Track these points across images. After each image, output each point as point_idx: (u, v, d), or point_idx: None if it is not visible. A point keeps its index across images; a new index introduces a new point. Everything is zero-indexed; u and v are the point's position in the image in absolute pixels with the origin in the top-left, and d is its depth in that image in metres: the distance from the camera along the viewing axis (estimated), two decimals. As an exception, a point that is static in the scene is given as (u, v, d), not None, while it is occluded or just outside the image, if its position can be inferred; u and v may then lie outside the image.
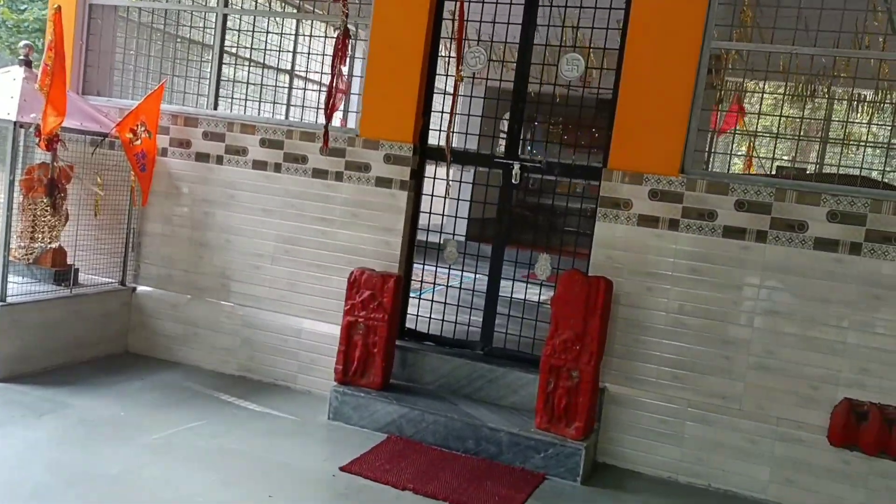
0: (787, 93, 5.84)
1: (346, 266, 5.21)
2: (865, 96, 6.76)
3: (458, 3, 3.39)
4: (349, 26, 2.98)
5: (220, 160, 5.62)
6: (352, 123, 5.48)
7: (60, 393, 4.72)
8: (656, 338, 4.56)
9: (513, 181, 4.95)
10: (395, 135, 5.13)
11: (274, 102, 6.07)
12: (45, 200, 5.29)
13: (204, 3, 6.26)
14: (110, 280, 5.77)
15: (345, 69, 3.15)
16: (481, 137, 5.58)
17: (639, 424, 4.58)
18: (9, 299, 4.85)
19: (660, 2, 4.49)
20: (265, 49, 6.29)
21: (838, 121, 7.00)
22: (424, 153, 5.21)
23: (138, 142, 5.42)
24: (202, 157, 5.67)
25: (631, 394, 4.60)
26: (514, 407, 4.76)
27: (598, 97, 4.88)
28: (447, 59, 5.18)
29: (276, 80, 6.95)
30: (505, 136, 5.11)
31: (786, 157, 6.77)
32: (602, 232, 4.67)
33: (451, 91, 4.39)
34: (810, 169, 5.99)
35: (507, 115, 5.05)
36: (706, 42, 4.47)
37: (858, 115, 6.63)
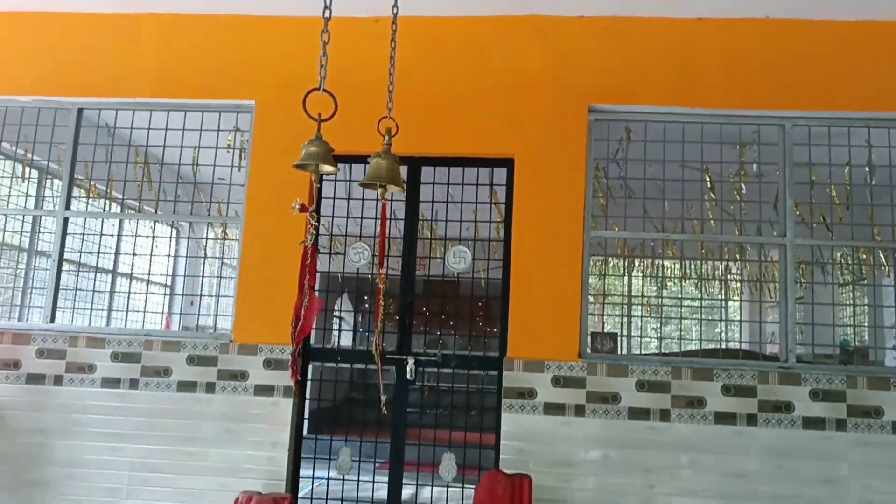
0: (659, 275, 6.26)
1: (220, 490, 4.55)
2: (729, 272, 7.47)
3: (381, 203, 3.27)
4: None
5: (59, 381, 4.82)
6: (225, 326, 5.01)
7: None
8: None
9: (408, 377, 4.70)
10: (275, 338, 4.73)
11: (127, 310, 5.44)
12: None
13: (41, 207, 5.64)
14: None
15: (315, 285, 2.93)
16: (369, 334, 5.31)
17: None
18: None
19: (541, 196, 4.69)
20: (116, 254, 5.72)
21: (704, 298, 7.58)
22: (308, 355, 4.85)
23: (-46, 366, 4.54)
24: (35, 378, 4.84)
25: None
26: None
27: (489, 286, 4.89)
28: (329, 255, 5.01)
29: (127, 286, 6.32)
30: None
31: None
32: (509, 423, 4.49)
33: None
34: (694, 346, 6.42)
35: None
36: (587, 231, 4.69)
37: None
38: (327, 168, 2.78)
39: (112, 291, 6.23)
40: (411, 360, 4.72)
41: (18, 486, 4.71)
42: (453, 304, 4.94)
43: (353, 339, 7.08)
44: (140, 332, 4.96)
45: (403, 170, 4.99)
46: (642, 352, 7.99)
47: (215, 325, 5.10)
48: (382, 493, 4.68)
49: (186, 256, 6.33)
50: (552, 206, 4.69)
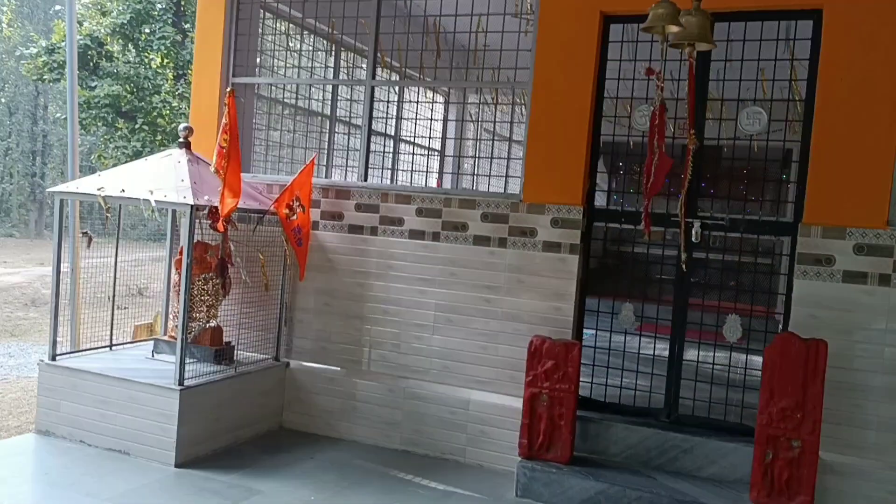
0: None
1: (512, 334, 5.07)
2: None
3: (689, 62, 3.27)
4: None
5: (374, 231, 5.57)
6: (513, 188, 5.38)
7: (243, 477, 4.61)
8: (874, 400, 4.27)
9: (693, 240, 4.77)
10: (563, 198, 5.01)
11: (426, 172, 6.04)
12: (215, 280, 5.28)
13: (350, 77, 6.32)
14: (265, 356, 5.69)
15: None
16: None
17: (861, 495, 4.25)
18: (186, 382, 4.80)
19: (853, 50, 4.33)
20: (398, 119, 6.28)
21: None
22: (593, 215, 5.09)
23: (294, 217, 5.40)
24: (355, 229, 5.62)
25: (851, 463, 4.29)
26: (715, 479, 4.48)
27: (784, 149, 4.71)
28: (614, 120, 5.08)
29: (414, 150, 6.96)
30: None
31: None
32: (803, 290, 4.43)
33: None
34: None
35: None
36: (905, 87, 4.28)
37: None
38: (673, 28, 2.88)
39: (398, 153, 6.88)
40: (697, 223, 4.76)
41: (346, 317, 5.63)
42: (740, 168, 4.83)
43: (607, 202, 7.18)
44: (440, 190, 5.51)
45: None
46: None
47: (505, 186, 5.48)
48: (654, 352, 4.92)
49: (478, 121, 6.74)
50: (867, 61, 4.30)
